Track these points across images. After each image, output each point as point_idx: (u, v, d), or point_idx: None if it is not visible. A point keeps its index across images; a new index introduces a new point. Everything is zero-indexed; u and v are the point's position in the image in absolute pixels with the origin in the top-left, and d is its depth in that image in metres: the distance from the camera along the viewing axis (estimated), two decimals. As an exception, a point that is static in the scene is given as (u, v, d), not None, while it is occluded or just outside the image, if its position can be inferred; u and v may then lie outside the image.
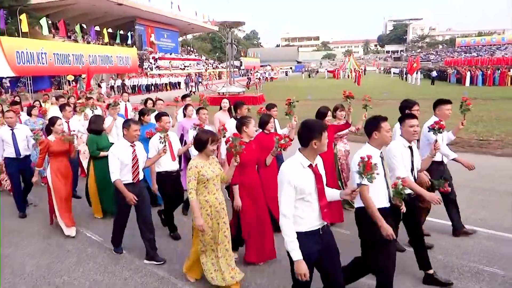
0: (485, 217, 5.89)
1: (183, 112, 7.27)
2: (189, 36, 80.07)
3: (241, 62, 67.69)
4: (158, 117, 5.63)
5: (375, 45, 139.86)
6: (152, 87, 39.73)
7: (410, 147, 4.01)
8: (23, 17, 29.60)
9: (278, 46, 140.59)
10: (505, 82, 33.19)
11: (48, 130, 6.05)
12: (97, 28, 43.35)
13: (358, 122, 6.11)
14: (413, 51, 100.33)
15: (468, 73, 35.13)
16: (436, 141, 4.15)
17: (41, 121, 8.24)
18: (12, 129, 6.54)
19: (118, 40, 45.52)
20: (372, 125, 3.57)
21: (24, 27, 29.32)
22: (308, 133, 2.97)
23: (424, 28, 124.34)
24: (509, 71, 34.29)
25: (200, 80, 39.28)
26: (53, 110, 9.57)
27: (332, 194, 3.27)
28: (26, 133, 6.61)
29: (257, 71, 54.52)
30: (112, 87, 34.61)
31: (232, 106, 6.99)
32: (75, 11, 40.38)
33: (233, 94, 22.68)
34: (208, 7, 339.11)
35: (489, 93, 23.82)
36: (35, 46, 28.35)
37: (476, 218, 5.82)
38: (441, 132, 4.20)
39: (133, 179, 4.75)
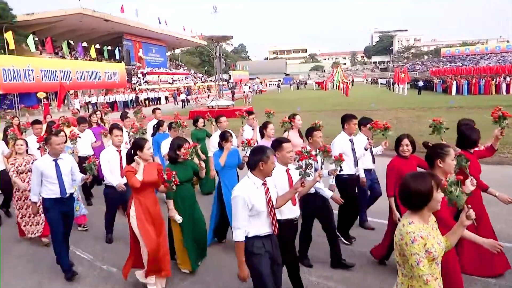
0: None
1: (262, 131, 5.90)
2: (177, 51, 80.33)
3: (229, 75, 68.05)
4: (277, 145, 3.86)
5: (362, 57, 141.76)
6: (132, 103, 35.76)
7: None
8: (9, 34, 29.50)
9: (266, 59, 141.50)
10: (490, 90, 33.85)
11: (129, 157, 4.51)
12: (85, 44, 43.34)
13: (490, 140, 4.31)
14: (399, 62, 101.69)
15: (454, 83, 35.74)
16: None
17: (70, 150, 6.53)
18: (55, 160, 4.84)
19: (106, 56, 45.46)
20: None
21: (11, 45, 29.20)
22: None
23: (409, 39, 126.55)
24: (493, 79, 34.99)
25: (188, 94, 37.73)
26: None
27: None
28: (71, 164, 5.03)
29: (245, 84, 54.56)
30: (87, 104, 32.99)
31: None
32: (62, 27, 40.31)
33: (222, 107, 22.83)
34: (195, 22, 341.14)
35: (475, 102, 24.15)
36: (22, 63, 28.28)
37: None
38: None
39: (273, 230, 3.32)
